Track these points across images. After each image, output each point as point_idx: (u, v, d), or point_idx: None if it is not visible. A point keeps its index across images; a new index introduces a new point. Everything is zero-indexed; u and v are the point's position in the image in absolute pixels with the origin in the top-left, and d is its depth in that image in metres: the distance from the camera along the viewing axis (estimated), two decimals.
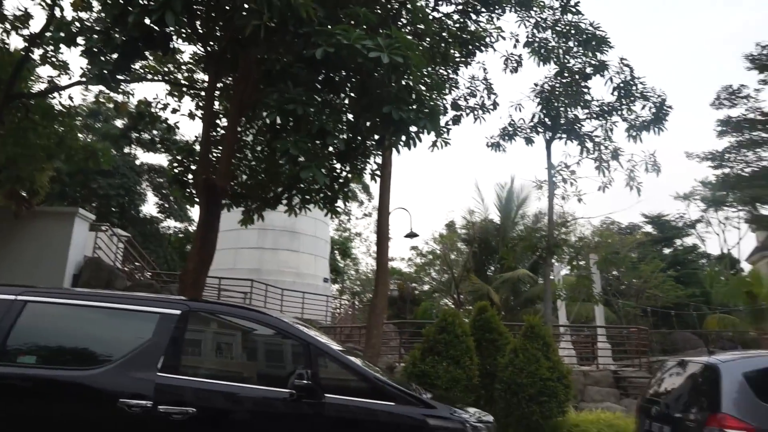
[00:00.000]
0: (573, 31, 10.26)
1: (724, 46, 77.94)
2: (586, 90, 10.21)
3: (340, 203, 9.29)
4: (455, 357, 7.92)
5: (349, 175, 9.08)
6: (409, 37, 7.49)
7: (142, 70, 8.47)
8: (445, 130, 11.13)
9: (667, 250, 33.84)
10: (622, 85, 9.93)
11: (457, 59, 10.50)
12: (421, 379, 7.80)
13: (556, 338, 14.95)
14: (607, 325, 17.81)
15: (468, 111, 11.11)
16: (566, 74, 10.30)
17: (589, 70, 10.06)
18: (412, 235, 18.91)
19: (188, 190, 8.51)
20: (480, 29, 9.94)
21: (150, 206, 28.37)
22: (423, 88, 6.86)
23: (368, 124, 7.21)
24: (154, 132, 20.86)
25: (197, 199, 8.12)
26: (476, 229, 23.76)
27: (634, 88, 9.94)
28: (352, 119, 7.69)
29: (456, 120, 11.17)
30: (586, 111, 10.27)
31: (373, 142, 7.78)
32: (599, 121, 10.29)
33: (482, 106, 11.00)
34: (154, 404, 4.21)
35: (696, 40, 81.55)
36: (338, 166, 8.59)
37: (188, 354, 5.07)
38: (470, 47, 10.27)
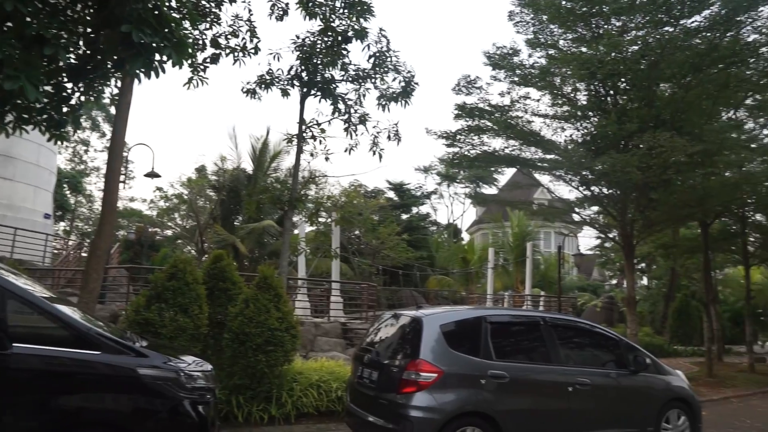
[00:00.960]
0: None
1: (482, 36, 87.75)
2: (345, 53, 10.47)
3: (69, 129, 8.10)
4: (183, 305, 7.59)
5: (82, 99, 7.95)
6: None
7: None
8: (202, 67, 10.45)
9: (404, 216, 37.30)
10: (378, 54, 10.39)
11: None
12: (145, 328, 7.32)
13: (293, 291, 15.46)
14: (343, 280, 19.03)
15: (228, 51, 10.55)
16: (330, 33, 10.40)
17: (350, 33, 10.30)
18: (153, 174, 17.55)
19: None
20: None
21: None
22: (174, 14, 6.26)
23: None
24: None
25: None
26: (227, 177, 23.14)
27: (388, 59, 10.49)
28: (91, 34, 6.70)
29: (214, 59, 10.54)
30: (343, 73, 10.54)
31: (113, 65, 6.86)
32: (354, 85, 10.65)
33: (243, 49, 10.54)
34: None
35: (459, 26, 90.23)
36: (69, 85, 7.43)
37: None
38: None
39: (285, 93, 10.73)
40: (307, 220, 11.97)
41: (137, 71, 5.85)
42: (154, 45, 5.68)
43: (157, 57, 5.91)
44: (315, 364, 9.15)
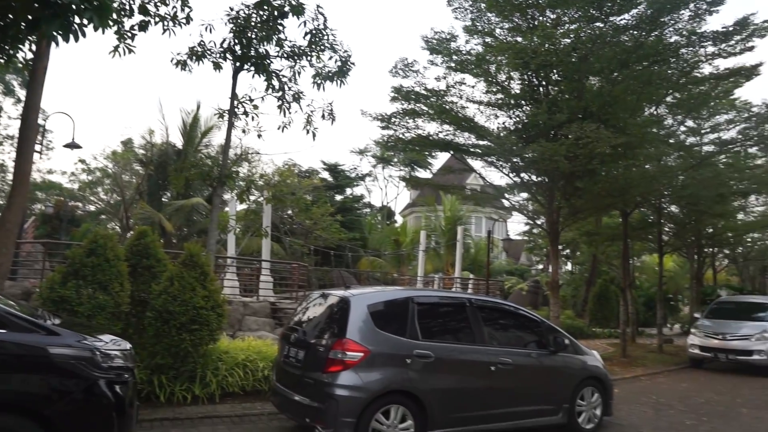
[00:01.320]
0: None
1: (421, 20, 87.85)
2: (281, 28, 10.20)
3: None
4: (103, 282, 7.30)
5: None
6: None
7: None
8: (129, 35, 9.91)
9: (338, 197, 37.22)
10: (314, 32, 10.19)
11: None
12: (60, 306, 6.99)
13: (221, 269, 15.15)
14: (273, 259, 18.80)
15: (157, 19, 10.06)
16: (265, 7, 10.10)
17: (287, 8, 10.03)
18: (73, 145, 16.63)
19: None
20: None
21: None
22: None
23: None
24: None
25: None
26: (155, 151, 22.24)
27: (325, 37, 10.30)
28: None
29: (143, 26, 10.02)
30: (278, 49, 10.28)
31: (26, 25, 6.40)
32: (289, 62, 10.42)
33: (174, 18, 10.07)
34: None
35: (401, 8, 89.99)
36: None
37: None
38: None
39: (217, 66, 10.37)
40: (238, 198, 11.69)
41: (54, 33, 5.48)
42: (73, 6, 5.33)
43: (77, 20, 5.57)
44: (242, 343, 9.02)
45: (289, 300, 15.52)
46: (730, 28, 12.88)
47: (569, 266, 33.11)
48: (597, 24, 13.38)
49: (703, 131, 17.98)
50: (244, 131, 10.54)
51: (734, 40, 13.15)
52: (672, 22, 13.02)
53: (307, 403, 5.85)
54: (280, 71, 10.46)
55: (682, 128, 17.24)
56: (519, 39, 13.71)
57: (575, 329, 19.26)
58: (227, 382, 7.91)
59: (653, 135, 14.51)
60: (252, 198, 16.79)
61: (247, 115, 10.32)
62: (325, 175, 37.34)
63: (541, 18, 13.92)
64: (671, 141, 16.22)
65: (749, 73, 14.58)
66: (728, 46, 13.30)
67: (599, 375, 7.87)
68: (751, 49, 13.32)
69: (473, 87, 14.79)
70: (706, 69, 14.25)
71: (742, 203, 24.08)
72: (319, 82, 10.48)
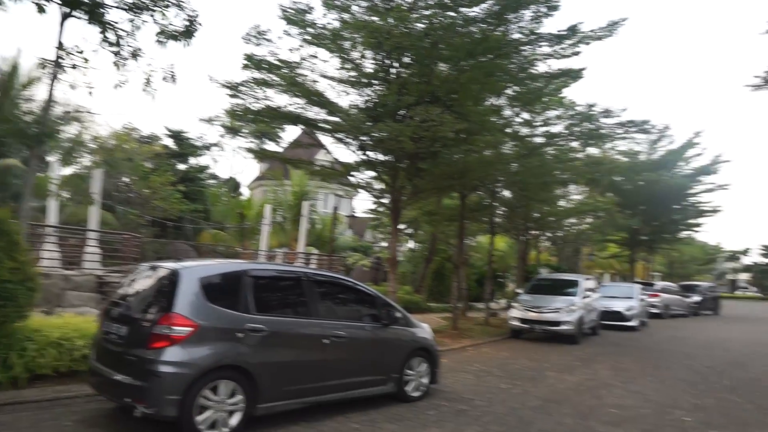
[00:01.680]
0: None
1: None
2: None
3: None
4: None
5: None
6: None
7: None
8: None
9: (182, 166, 35.24)
10: None
11: None
12: None
13: (39, 239, 13.67)
14: (102, 230, 17.34)
15: None
16: None
17: None
18: None
19: None
20: None
21: None
22: None
23: None
24: None
25: None
26: None
27: None
28: None
29: None
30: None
31: None
32: (129, 14, 9.53)
33: None
34: None
35: None
36: None
37: None
38: None
39: (41, 9, 9.14)
40: (62, 161, 10.56)
41: None
42: None
43: None
44: (58, 320, 8.21)
45: (119, 273, 14.44)
46: (563, 33, 14.09)
47: (411, 244, 34.58)
48: (449, 13, 13.87)
49: (535, 124, 19.54)
50: (72, 86, 9.49)
51: (565, 44, 14.40)
52: (515, 20, 13.88)
53: (129, 381, 5.50)
54: (117, 23, 9.54)
55: (518, 120, 18.60)
56: (375, 19, 13.79)
57: (412, 304, 20.22)
58: (37, 363, 7.16)
59: (492, 123, 15.51)
60: (82, 161, 15.27)
61: (75, 69, 9.28)
62: (169, 142, 35.09)
63: (398, 0, 14.12)
64: (508, 130, 17.46)
65: (575, 75, 16.17)
66: (560, 49, 14.53)
67: (427, 346, 8.35)
68: (577, 54, 14.69)
69: (326, 62, 14.67)
70: (542, 67, 15.46)
71: (564, 191, 26.87)
72: (162, 40, 9.76)
